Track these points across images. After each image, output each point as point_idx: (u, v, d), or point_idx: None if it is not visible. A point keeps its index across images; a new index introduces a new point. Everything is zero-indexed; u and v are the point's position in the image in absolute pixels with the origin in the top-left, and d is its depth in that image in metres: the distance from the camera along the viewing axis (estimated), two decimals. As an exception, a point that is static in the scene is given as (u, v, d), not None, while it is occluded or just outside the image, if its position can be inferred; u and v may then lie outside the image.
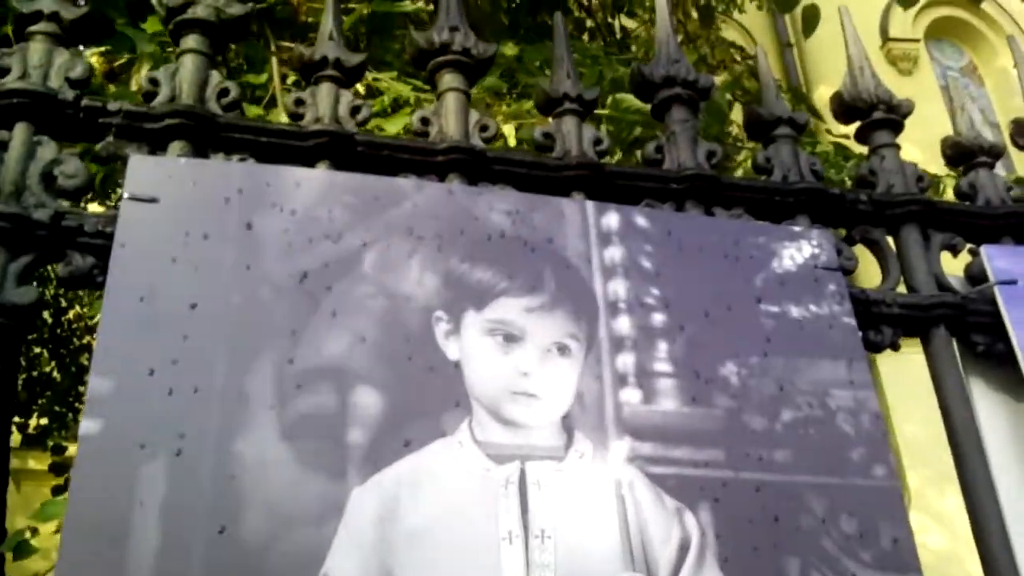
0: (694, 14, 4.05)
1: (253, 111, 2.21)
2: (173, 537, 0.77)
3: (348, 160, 1.04)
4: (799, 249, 1.12)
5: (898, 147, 1.28)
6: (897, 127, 1.29)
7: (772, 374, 1.02)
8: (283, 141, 1.03)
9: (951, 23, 13.27)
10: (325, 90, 1.08)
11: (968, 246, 1.25)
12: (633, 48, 4.41)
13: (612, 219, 1.07)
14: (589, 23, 4.06)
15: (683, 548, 0.90)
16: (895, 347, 1.15)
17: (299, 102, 1.07)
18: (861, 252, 1.24)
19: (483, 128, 1.12)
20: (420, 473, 0.86)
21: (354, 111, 1.08)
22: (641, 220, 1.08)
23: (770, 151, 1.23)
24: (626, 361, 0.98)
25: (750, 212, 1.17)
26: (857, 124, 1.30)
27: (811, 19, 3.14)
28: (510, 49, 2.53)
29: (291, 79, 2.36)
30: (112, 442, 0.80)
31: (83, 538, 0.76)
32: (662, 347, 1.01)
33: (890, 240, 1.22)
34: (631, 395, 0.97)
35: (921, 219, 1.22)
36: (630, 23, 4.68)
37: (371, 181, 1.00)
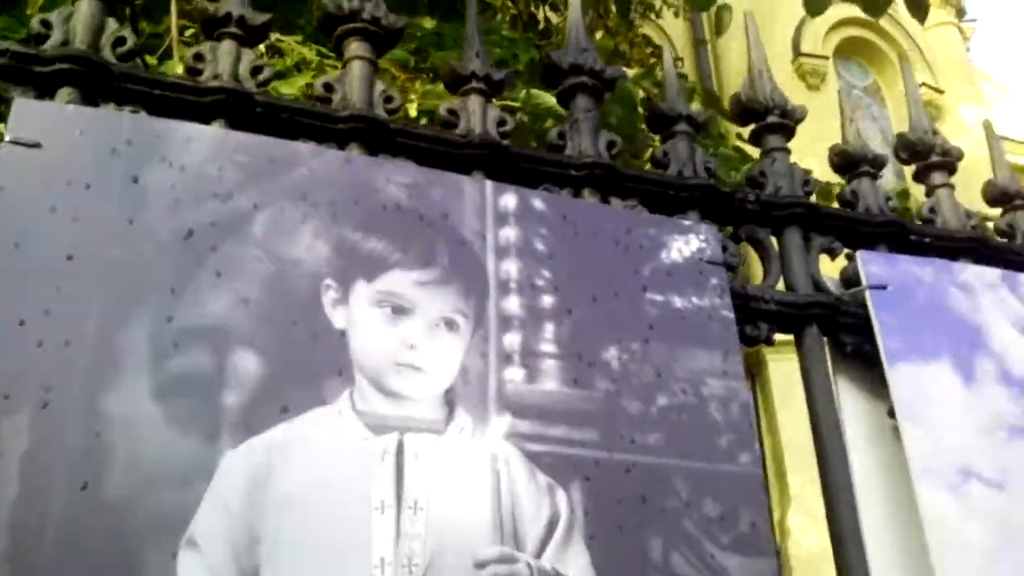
0: (613, 8, 4.10)
1: (148, 61, 2.13)
2: (32, 489, 0.75)
3: (246, 120, 1.02)
4: (687, 243, 1.16)
5: (788, 151, 1.33)
6: (790, 132, 1.34)
7: (651, 360, 1.06)
8: (179, 96, 1.00)
9: (859, 43, 13.82)
10: (227, 47, 1.06)
11: (846, 251, 1.31)
12: (554, 39, 4.44)
13: (510, 200, 1.08)
14: (512, 10, 4.07)
15: (552, 524, 0.93)
16: (769, 342, 1.20)
17: (198, 57, 1.04)
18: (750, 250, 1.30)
19: (388, 99, 1.11)
20: (296, 440, 0.86)
21: (255, 71, 1.06)
22: (538, 203, 1.10)
23: (668, 146, 1.26)
24: (512, 340, 1.00)
25: (644, 204, 1.20)
26: (752, 126, 1.35)
27: (723, 18, 3.22)
28: (428, 22, 2.52)
29: (189, 32, 2.29)
30: (-28, 391, 0.77)
31: (-66, 488, 0.73)
32: (549, 328, 1.03)
33: (774, 240, 1.27)
34: (514, 374, 0.98)
35: (803, 222, 1.27)
36: (555, 17, 4.71)
37: (267, 142, 0.99)
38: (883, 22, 13.88)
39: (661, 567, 0.95)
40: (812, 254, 1.27)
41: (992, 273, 1.31)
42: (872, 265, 1.25)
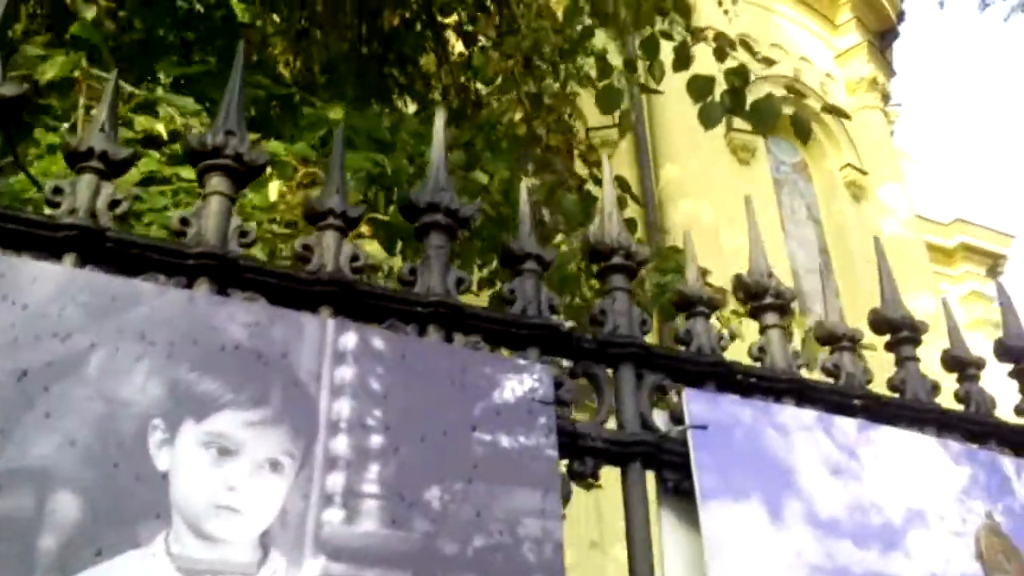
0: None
1: (53, 136, 2.17)
2: None
3: (97, 255, 1.08)
4: (520, 382, 1.24)
5: (631, 291, 1.43)
6: (632, 273, 1.44)
7: (472, 500, 1.13)
8: (31, 231, 1.06)
9: (789, 121, 14.37)
10: (86, 181, 1.11)
11: (678, 387, 1.41)
12: (483, 112, 4.57)
13: (350, 339, 1.15)
14: (437, 85, 4.20)
15: (357, 663, 0.98)
16: (595, 477, 1.28)
17: (57, 191, 1.10)
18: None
19: (243, 234, 1.18)
20: (107, 581, 0.90)
21: (113, 204, 1.12)
22: (378, 342, 1.17)
23: (515, 284, 1.35)
24: (336, 481, 1.06)
25: (488, 340, 1.29)
26: (601, 264, 1.45)
27: (624, 121, 3.37)
28: (336, 112, 2.60)
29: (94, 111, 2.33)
30: None
31: None
32: (374, 469, 1.09)
33: (610, 376, 1.37)
34: (334, 515, 1.04)
35: (637, 360, 1.37)
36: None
37: (111, 281, 1.04)
38: (813, 102, 14.51)
39: None
40: (644, 391, 1.36)
41: (809, 415, 1.42)
42: (695, 404, 1.35)
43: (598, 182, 4.74)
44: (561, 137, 4.35)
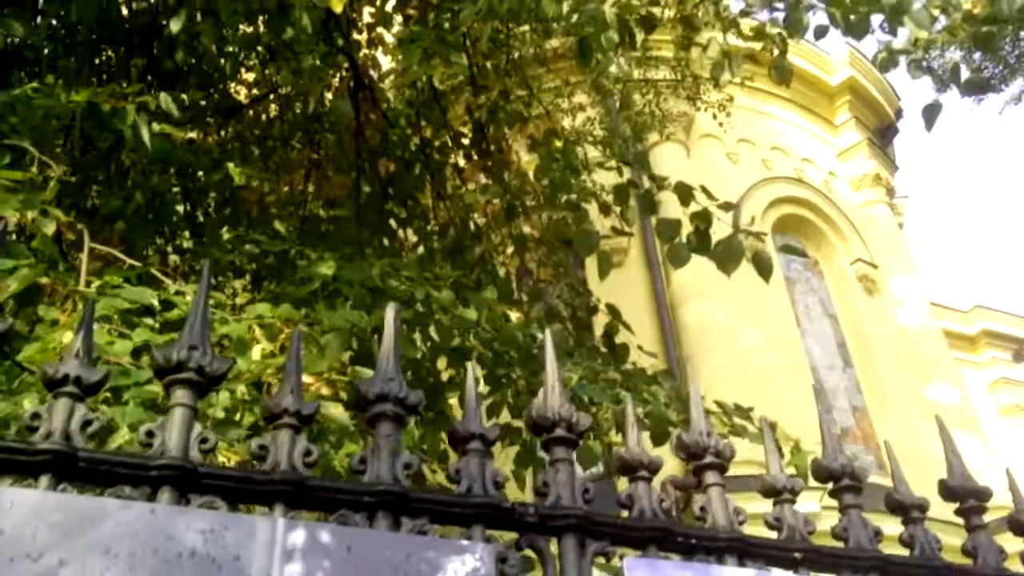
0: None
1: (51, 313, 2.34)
2: None
3: (71, 473, 1.21)
4: (463, 562, 1.34)
5: (572, 463, 1.54)
6: (573, 444, 1.55)
7: None
8: (11, 457, 1.19)
9: (796, 220, 14.61)
10: (62, 404, 1.26)
11: (622, 551, 1.49)
12: (477, 249, 4.75)
13: (299, 536, 1.26)
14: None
15: None
16: (535, 648, 1.36)
17: (35, 416, 1.24)
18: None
19: (203, 441, 1.31)
20: None
21: (85, 425, 1.26)
22: (325, 536, 1.28)
23: (461, 463, 1.47)
24: (285, 672, 1.15)
25: (435, 520, 1.39)
26: (544, 436, 1.56)
27: (603, 264, 3.54)
28: (327, 268, 2.78)
29: (97, 283, 2.51)
30: None
31: None
32: (321, 658, 1.18)
33: (555, 546, 1.46)
34: None
35: (579, 529, 1.46)
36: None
37: (80, 501, 1.17)
38: (818, 200, 14.78)
39: None
40: (586, 559, 1.45)
41: (748, 573, 1.50)
42: (636, 571, 1.44)
43: (592, 310, 4.89)
44: (551, 269, 4.53)
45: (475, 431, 1.49)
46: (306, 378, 2.39)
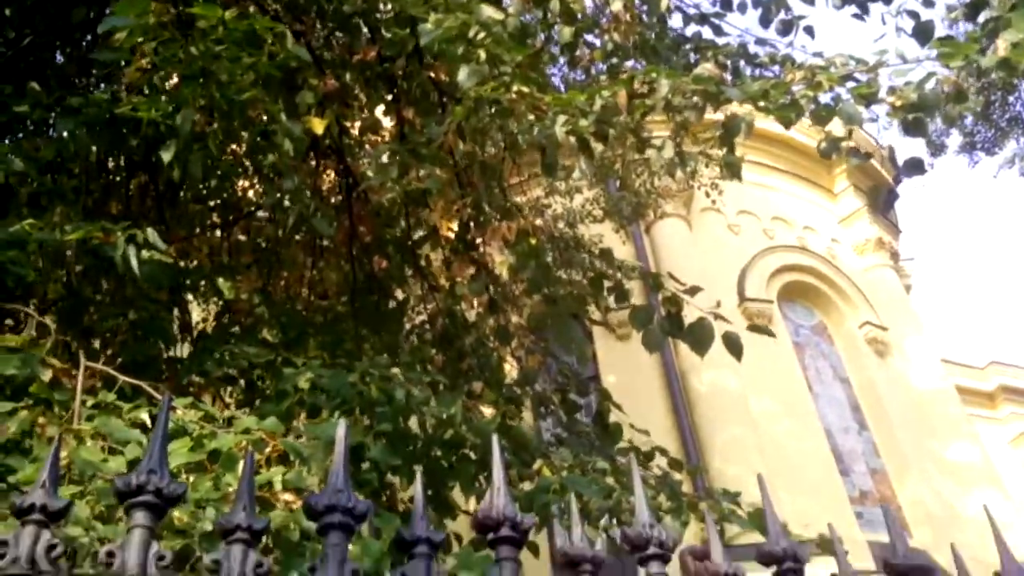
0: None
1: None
2: None
3: (34, 598, 1.31)
4: (407, 663, 1.42)
5: (518, 561, 1.62)
6: (519, 543, 1.64)
7: None
8: (-22, 580, 1.30)
9: (802, 287, 14.72)
10: (28, 532, 1.37)
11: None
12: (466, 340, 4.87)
13: (248, 644, 1.35)
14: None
15: None
16: None
17: (3, 543, 1.35)
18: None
19: (160, 558, 1.41)
20: None
21: (50, 549, 1.37)
22: (274, 644, 1.37)
23: (408, 567, 1.56)
24: None
25: (382, 623, 1.48)
26: (490, 536, 1.65)
27: (583, 353, 3.66)
28: (304, 382, 2.90)
29: (92, 400, 2.64)
30: None
31: None
32: None
33: (500, 643, 1.53)
34: None
35: (523, 627, 1.54)
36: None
37: (40, 625, 1.27)
38: (822, 266, 14.91)
39: None
40: (530, 654, 1.53)
41: (686, 661, 1.57)
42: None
43: (585, 393, 4.98)
44: (539, 358, 4.64)
45: (421, 535, 1.58)
46: (288, 496, 2.49)
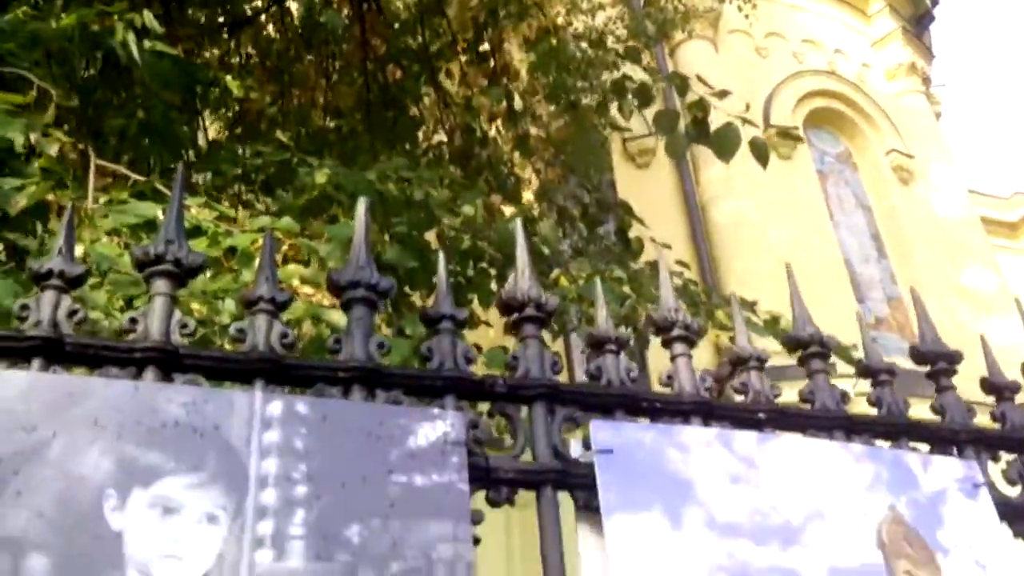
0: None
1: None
2: None
3: (60, 357, 1.31)
4: (434, 428, 1.43)
5: (541, 339, 1.61)
6: (543, 322, 1.62)
7: (390, 533, 1.32)
8: (3, 344, 1.30)
9: (829, 113, 14.31)
10: (48, 297, 1.35)
11: (591, 417, 1.58)
12: (484, 153, 4.77)
13: (276, 407, 1.36)
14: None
15: (284, 678, 1.18)
16: (511, 503, 1.47)
17: (24, 307, 1.34)
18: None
19: (184, 326, 1.41)
20: (72, 625, 1.13)
21: (71, 314, 1.36)
22: (301, 407, 1.38)
23: (433, 342, 1.55)
24: (266, 527, 1.27)
25: (408, 394, 1.49)
26: (514, 316, 1.63)
27: (600, 162, 3.55)
28: (321, 176, 2.84)
29: (104, 198, 2.61)
30: None
31: None
32: (299, 514, 1.29)
33: (525, 414, 1.55)
34: (264, 555, 1.25)
35: (547, 398, 1.55)
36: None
37: (67, 380, 1.28)
38: (851, 92, 14.43)
39: None
40: (555, 424, 1.54)
41: (709, 432, 1.58)
42: (601, 432, 1.53)
43: (606, 208, 4.92)
44: (558, 171, 4.53)
45: (446, 312, 1.57)
46: (307, 289, 2.49)
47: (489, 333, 3.52)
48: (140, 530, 1.21)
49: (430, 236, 3.30)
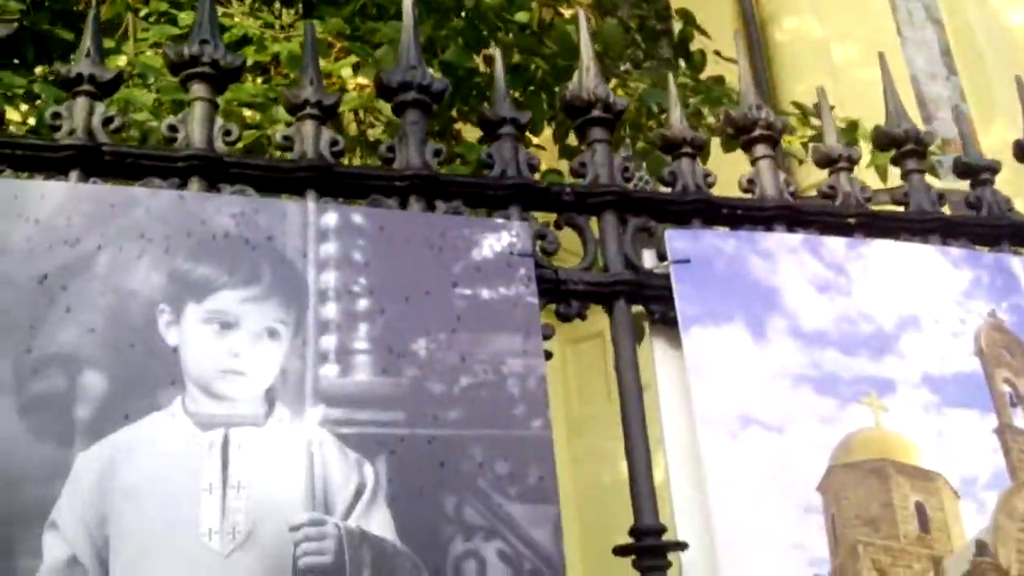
0: None
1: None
2: (-80, 497, 0.99)
3: (98, 168, 1.22)
4: (499, 239, 1.33)
5: (609, 142, 1.48)
6: (610, 125, 1.48)
7: (457, 348, 1.25)
8: (38, 154, 1.21)
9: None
10: (80, 104, 1.25)
11: (665, 227, 1.47)
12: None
13: (331, 218, 1.27)
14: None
15: (358, 492, 1.15)
16: (582, 317, 1.38)
17: (56, 115, 1.24)
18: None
19: (227, 133, 1.30)
20: (136, 440, 1.09)
21: (107, 122, 1.25)
22: (357, 217, 1.28)
23: (493, 148, 1.43)
24: (328, 341, 1.20)
25: (469, 204, 1.38)
26: (579, 120, 1.49)
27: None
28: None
29: (144, 10, 2.46)
30: None
31: None
32: (362, 328, 1.23)
33: (594, 224, 1.44)
34: (329, 370, 1.19)
35: (618, 206, 1.43)
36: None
37: (108, 190, 1.19)
38: None
39: (454, 518, 1.17)
40: (627, 234, 1.43)
41: (793, 239, 1.46)
42: (678, 241, 1.42)
43: (665, 19, 4.60)
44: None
45: (506, 115, 1.44)
46: (363, 79, 2.34)
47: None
48: (197, 345, 1.15)
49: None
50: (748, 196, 1.51)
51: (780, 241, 1.45)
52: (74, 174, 1.21)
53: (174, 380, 1.12)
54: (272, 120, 2.09)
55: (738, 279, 1.41)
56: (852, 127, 2.86)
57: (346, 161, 1.36)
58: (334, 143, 1.34)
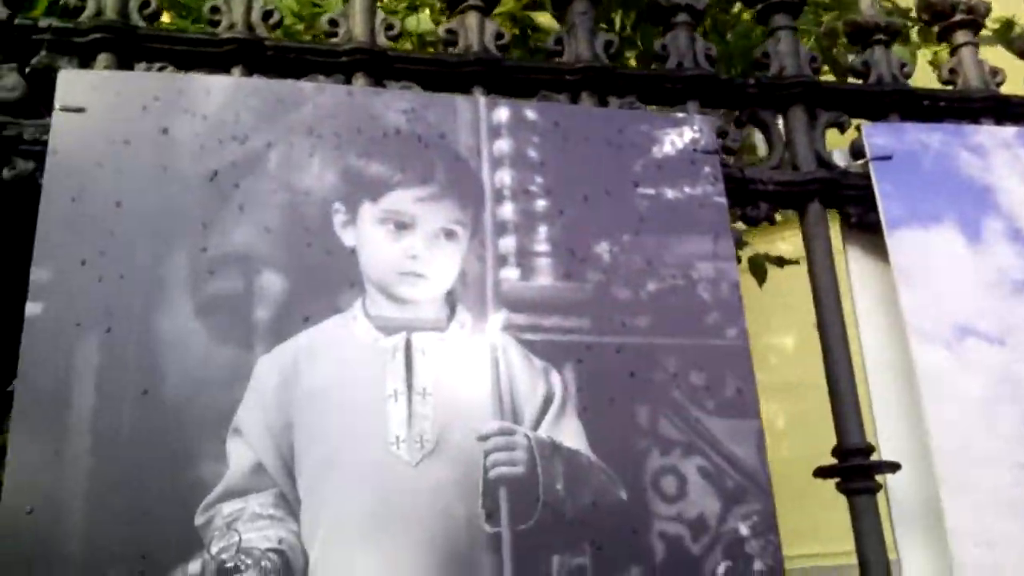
0: None
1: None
2: (105, 398, 0.95)
3: (260, 64, 1.15)
4: (680, 135, 1.22)
5: (795, 29, 1.34)
6: (795, 9, 1.34)
7: (642, 251, 1.15)
8: (198, 49, 1.14)
9: None
10: (239, -2, 1.18)
11: (857, 122, 1.33)
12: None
13: (503, 113, 1.17)
14: None
15: (547, 401, 1.06)
16: (771, 221, 1.26)
17: (215, 9, 1.17)
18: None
19: (389, 27, 1.21)
20: (317, 343, 1.02)
21: (266, 16, 1.18)
22: (530, 113, 1.18)
23: (668, 39, 1.31)
24: (508, 243, 1.11)
25: (643, 99, 1.27)
26: (759, 6, 1.36)
27: None
28: None
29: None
30: (52, 323, 0.96)
31: (32, 403, 0.93)
32: (542, 230, 1.13)
33: (780, 120, 1.31)
34: (510, 273, 1.10)
35: (807, 99, 1.30)
36: None
37: (275, 85, 1.12)
38: None
39: (648, 431, 1.08)
40: (818, 130, 1.30)
41: (1008, 132, 1.31)
42: (877, 137, 1.28)
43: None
44: None
45: (681, 2, 1.31)
46: None
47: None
48: (374, 246, 1.07)
49: None
50: (949, 88, 1.36)
51: (992, 135, 1.30)
52: (236, 70, 1.14)
53: (353, 282, 1.05)
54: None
55: (947, 177, 1.26)
56: (1008, 27, 2.60)
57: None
58: (499, 36, 1.24)
